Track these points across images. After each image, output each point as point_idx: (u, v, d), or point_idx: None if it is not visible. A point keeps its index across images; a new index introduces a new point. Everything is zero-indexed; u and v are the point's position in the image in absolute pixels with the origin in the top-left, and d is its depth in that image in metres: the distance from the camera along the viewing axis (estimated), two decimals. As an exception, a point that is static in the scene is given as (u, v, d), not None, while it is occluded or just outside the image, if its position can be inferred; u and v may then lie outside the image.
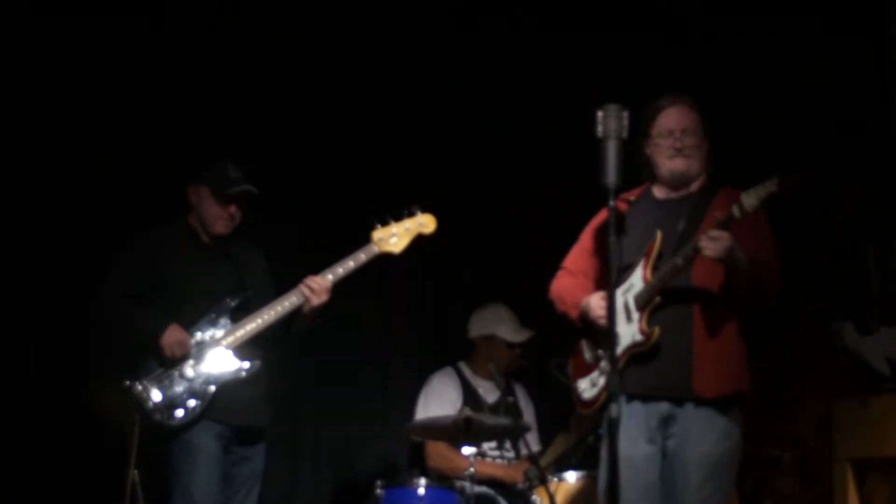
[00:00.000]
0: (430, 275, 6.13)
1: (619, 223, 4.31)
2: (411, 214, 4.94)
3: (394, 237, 4.90)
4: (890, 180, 6.10)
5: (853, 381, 5.68)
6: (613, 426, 3.57)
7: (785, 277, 6.15)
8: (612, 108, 3.76)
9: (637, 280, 4.20)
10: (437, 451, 5.68)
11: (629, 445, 4.09)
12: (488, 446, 5.74)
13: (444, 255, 6.03)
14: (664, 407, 4.17)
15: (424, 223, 4.95)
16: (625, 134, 3.79)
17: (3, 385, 5.52)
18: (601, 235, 4.35)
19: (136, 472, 4.63)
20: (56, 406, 5.56)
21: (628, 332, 4.17)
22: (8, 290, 5.55)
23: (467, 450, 5.21)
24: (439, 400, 5.76)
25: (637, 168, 4.38)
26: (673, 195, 4.34)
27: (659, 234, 4.20)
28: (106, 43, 5.71)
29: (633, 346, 4.16)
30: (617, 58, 6.14)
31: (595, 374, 4.30)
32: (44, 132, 5.64)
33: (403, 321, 6.26)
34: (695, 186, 4.34)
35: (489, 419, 5.33)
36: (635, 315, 4.16)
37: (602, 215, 4.41)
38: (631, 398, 4.17)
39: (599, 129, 3.78)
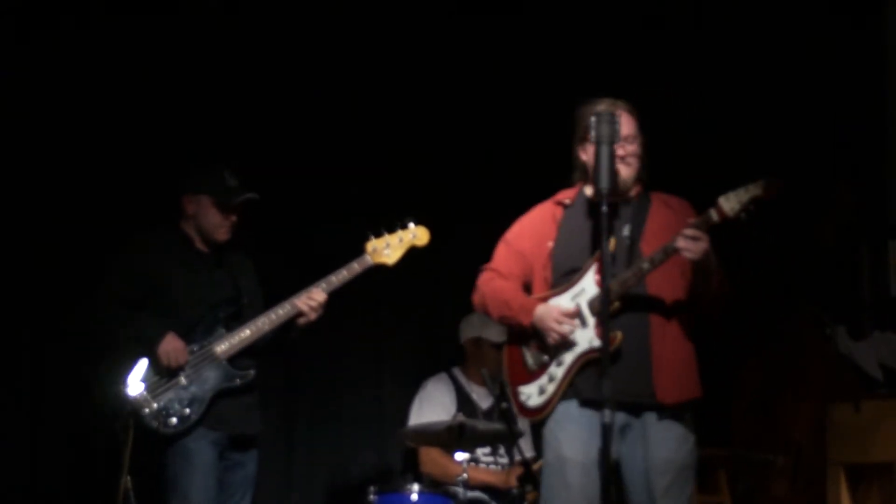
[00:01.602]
0: (424, 281, 6.12)
1: (555, 226, 4.27)
2: (405, 226, 4.94)
3: (387, 248, 4.90)
4: (883, 184, 6.11)
5: (847, 385, 5.68)
6: (607, 432, 3.57)
7: (779, 281, 6.19)
8: (605, 114, 3.77)
9: (589, 284, 4.11)
10: (430, 457, 5.67)
11: (578, 451, 4.04)
12: (482, 452, 5.73)
13: (438, 262, 6.02)
14: (620, 417, 4.03)
15: (418, 235, 4.95)
16: (617, 139, 3.80)
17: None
18: (537, 238, 4.27)
19: (128, 478, 4.62)
20: (51, 412, 5.55)
21: (584, 337, 4.08)
22: (3, 296, 5.53)
23: (461, 456, 5.20)
24: (433, 406, 5.76)
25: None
26: (612, 200, 4.23)
27: (613, 240, 4.10)
28: (101, 48, 5.71)
29: (591, 352, 4.06)
30: (612, 59, 6.12)
31: (544, 379, 4.17)
32: (40, 139, 5.63)
33: (397, 327, 6.25)
34: (633, 192, 4.25)
35: (483, 425, 5.32)
36: (591, 320, 4.08)
37: (534, 216, 4.36)
38: (584, 404, 4.08)
39: (592, 134, 3.79)
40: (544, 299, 4.18)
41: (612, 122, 3.77)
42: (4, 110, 5.56)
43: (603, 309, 3.71)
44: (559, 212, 4.28)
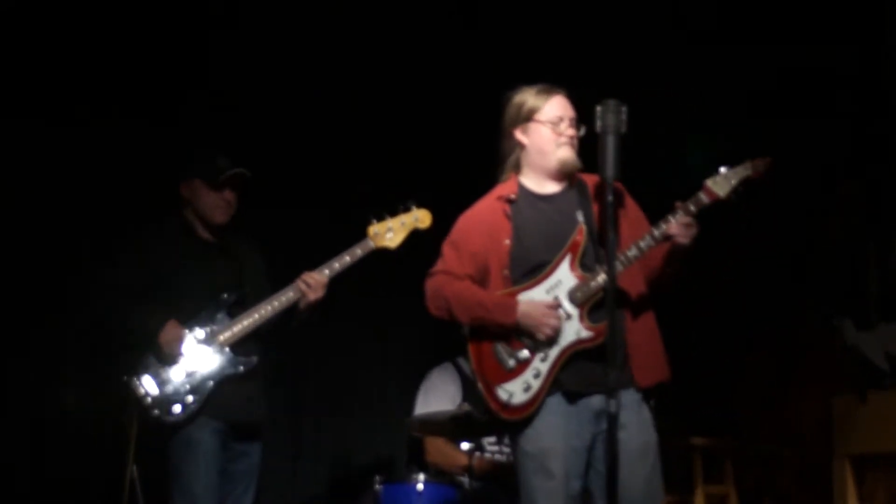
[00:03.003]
0: (428, 269, 6.12)
1: (507, 223, 4.23)
2: (407, 209, 4.91)
3: (389, 232, 4.88)
4: (890, 177, 6.10)
5: (853, 377, 5.69)
6: (613, 422, 3.57)
7: (785, 274, 6.19)
8: (611, 103, 3.76)
9: (565, 276, 4.08)
10: (436, 447, 5.68)
11: (559, 440, 4.03)
12: (487, 441, 5.73)
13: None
14: (596, 401, 4.04)
15: (420, 218, 4.92)
16: (623, 129, 3.78)
17: (1, 381, 5.52)
18: (488, 236, 4.21)
19: (135, 467, 4.63)
20: (55, 402, 5.56)
21: (570, 329, 4.05)
22: (7, 287, 5.54)
23: (466, 445, 5.21)
24: (438, 395, 5.76)
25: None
26: (555, 188, 4.23)
27: (584, 229, 4.10)
28: (101, 41, 5.72)
29: (579, 343, 4.04)
30: (609, 56, 6.12)
31: (528, 375, 4.09)
32: (38, 137, 5.65)
33: (402, 316, 6.25)
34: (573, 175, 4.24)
35: (488, 414, 5.32)
36: (574, 312, 4.06)
37: (477, 214, 4.30)
38: (565, 395, 4.07)
39: (598, 124, 3.79)
40: (512, 295, 4.12)
41: (619, 111, 3.76)
42: (12, 104, 5.58)
43: (609, 299, 3.68)
44: (507, 207, 4.22)
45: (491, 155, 6.17)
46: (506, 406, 4.11)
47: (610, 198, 3.70)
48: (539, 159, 4.23)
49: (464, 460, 5.25)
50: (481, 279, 4.22)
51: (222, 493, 4.79)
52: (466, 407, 5.17)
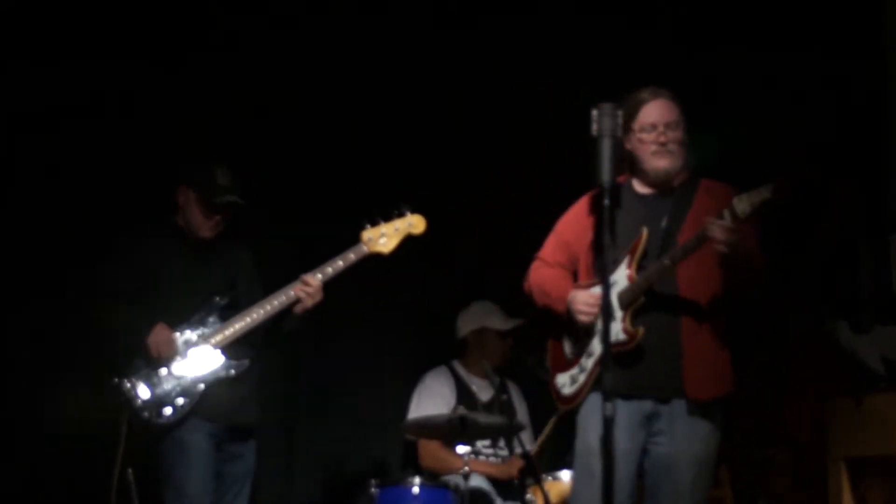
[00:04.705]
0: (423, 273, 6.12)
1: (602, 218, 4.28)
2: (401, 215, 4.92)
3: (383, 237, 4.89)
4: (884, 179, 6.10)
5: (848, 380, 5.68)
6: (608, 425, 3.57)
7: (780, 277, 6.18)
8: (607, 106, 3.76)
9: (621, 277, 4.13)
10: (430, 451, 5.67)
11: (599, 438, 4.06)
12: (482, 444, 5.73)
13: (438, 255, 6.02)
14: (647, 405, 4.10)
15: (414, 223, 4.93)
16: (619, 132, 3.79)
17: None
18: (581, 228, 4.30)
19: (130, 470, 4.63)
20: (45, 404, 5.55)
21: (612, 330, 4.02)
22: (1, 290, 5.53)
23: (462, 448, 5.20)
24: (433, 398, 5.76)
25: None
26: (654, 191, 4.27)
27: (645, 232, 4.14)
28: (102, 42, 5.72)
29: (615, 345, 4.04)
30: (611, 52, 6.12)
31: (575, 370, 4.23)
32: (37, 135, 5.64)
33: (397, 320, 6.25)
34: (676, 181, 4.26)
35: (483, 417, 5.32)
36: (619, 313, 4.09)
37: (580, 206, 4.37)
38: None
39: (594, 127, 3.78)
40: (584, 288, 4.21)
41: (614, 115, 3.75)
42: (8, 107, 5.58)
43: (604, 305, 3.68)
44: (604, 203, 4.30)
45: (491, 164, 6.22)
46: (559, 395, 4.30)
47: (605, 201, 3.71)
48: (640, 165, 4.27)
49: (458, 463, 5.25)
50: (574, 269, 4.34)
51: (217, 496, 4.79)
52: (461, 410, 5.17)
